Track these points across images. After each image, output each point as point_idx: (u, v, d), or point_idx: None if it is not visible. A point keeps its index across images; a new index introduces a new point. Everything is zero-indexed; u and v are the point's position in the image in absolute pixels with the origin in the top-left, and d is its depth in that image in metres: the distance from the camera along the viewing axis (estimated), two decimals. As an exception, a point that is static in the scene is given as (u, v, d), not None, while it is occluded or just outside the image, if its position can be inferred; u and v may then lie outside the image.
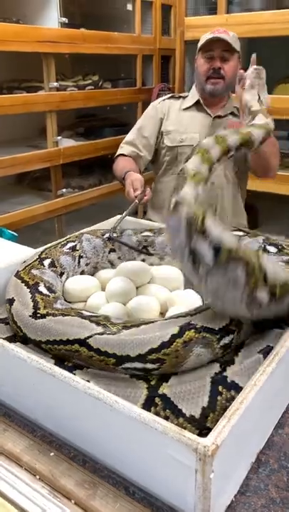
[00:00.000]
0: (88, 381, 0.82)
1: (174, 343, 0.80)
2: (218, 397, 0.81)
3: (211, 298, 0.86)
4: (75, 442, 0.81)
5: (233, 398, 0.81)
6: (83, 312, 0.95)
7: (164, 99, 1.99)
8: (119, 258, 1.26)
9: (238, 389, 0.82)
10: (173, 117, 1.91)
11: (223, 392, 0.82)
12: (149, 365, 0.81)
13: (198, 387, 0.82)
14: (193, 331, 0.82)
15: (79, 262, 1.23)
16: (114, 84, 3.76)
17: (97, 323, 0.87)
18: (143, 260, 1.28)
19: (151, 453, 0.70)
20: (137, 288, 1.15)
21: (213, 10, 2.69)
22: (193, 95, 1.94)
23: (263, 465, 0.84)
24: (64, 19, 3.02)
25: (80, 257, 1.23)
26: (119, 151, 2.00)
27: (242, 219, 2.04)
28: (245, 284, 0.74)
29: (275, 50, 2.85)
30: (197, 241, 0.74)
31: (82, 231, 1.33)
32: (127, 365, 0.82)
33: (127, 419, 0.70)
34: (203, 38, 1.80)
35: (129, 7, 3.66)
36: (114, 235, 1.29)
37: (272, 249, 1.16)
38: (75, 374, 0.84)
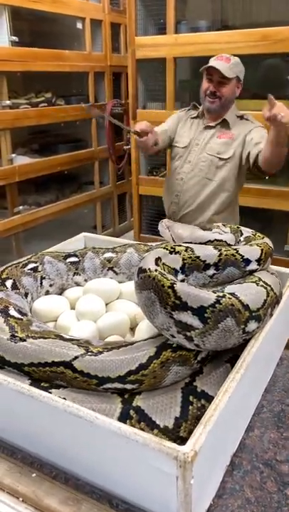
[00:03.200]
0: (64, 399, 0.84)
1: (152, 365, 0.83)
2: (190, 407, 0.85)
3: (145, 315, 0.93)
4: (56, 461, 0.82)
5: (203, 407, 0.86)
6: (63, 335, 0.96)
7: (187, 109, 2.24)
8: (85, 280, 1.28)
9: (208, 398, 0.87)
10: (185, 122, 2.19)
11: (194, 402, 0.86)
12: (128, 386, 0.84)
13: (170, 398, 0.86)
14: (169, 350, 0.86)
15: (41, 283, 1.23)
16: (68, 101, 3.79)
17: (79, 346, 0.90)
18: (111, 278, 1.30)
19: (133, 465, 0.72)
20: (106, 304, 1.17)
21: (161, 30, 2.79)
22: (201, 107, 2.18)
23: (237, 467, 0.88)
24: (14, 38, 3.03)
25: (43, 278, 1.24)
26: None
27: (232, 221, 2.15)
28: (161, 305, 0.84)
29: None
30: (178, 313, 0.83)
31: (43, 252, 1.34)
32: (108, 385, 0.84)
33: (108, 433, 0.72)
34: (209, 62, 2.00)
35: (79, 25, 3.71)
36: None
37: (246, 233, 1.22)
38: (51, 393, 0.86)
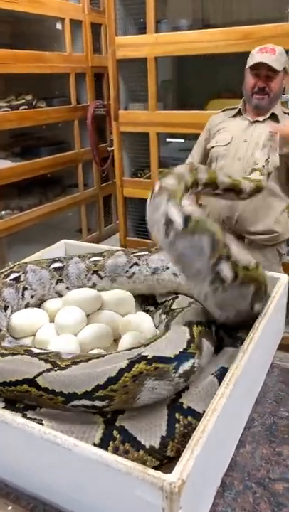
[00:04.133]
0: (41, 420, 0.79)
1: (122, 378, 0.76)
2: (176, 425, 0.80)
3: (178, 267, 0.97)
4: (34, 491, 0.76)
5: (190, 424, 0.81)
6: (32, 349, 0.91)
7: (217, 113, 2.17)
8: (67, 288, 1.22)
9: (195, 414, 0.82)
10: (220, 124, 2.09)
11: (181, 419, 0.81)
12: (97, 403, 0.77)
13: (155, 416, 0.80)
14: (143, 363, 0.77)
15: (23, 295, 1.17)
16: (49, 103, 3.72)
17: (46, 361, 0.83)
18: (94, 285, 1.25)
19: (116, 495, 0.67)
20: (87, 316, 1.12)
21: (141, 29, 2.74)
22: (239, 106, 2.08)
23: (228, 488, 0.83)
24: (-8, 39, 2.96)
25: (25, 288, 1.18)
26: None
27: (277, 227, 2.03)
28: (210, 255, 0.83)
29: (205, 68, 2.94)
30: (170, 208, 0.86)
31: (25, 260, 1.28)
32: (75, 402, 0.77)
33: (87, 462, 0.67)
34: (251, 57, 1.91)
35: (59, 26, 3.65)
36: None
37: None
38: (26, 415, 0.80)
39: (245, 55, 2.51)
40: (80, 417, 0.80)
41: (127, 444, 0.77)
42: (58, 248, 1.47)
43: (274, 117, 1.98)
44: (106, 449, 0.75)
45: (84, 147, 4.06)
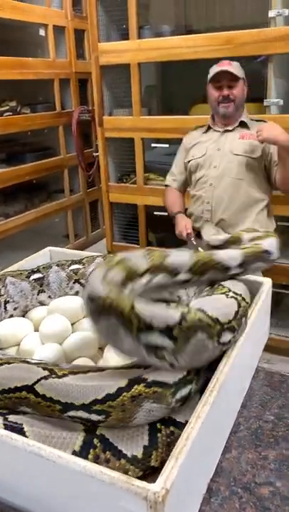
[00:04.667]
0: (21, 425, 0.78)
1: (121, 397, 0.76)
2: (158, 434, 0.80)
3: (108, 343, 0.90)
4: (18, 503, 0.76)
5: (172, 433, 0.81)
6: (29, 360, 0.90)
7: (191, 131, 2.28)
8: (49, 297, 1.21)
9: (177, 424, 0.82)
10: (194, 141, 2.21)
11: (162, 429, 0.81)
12: (94, 416, 0.77)
13: (136, 426, 0.80)
14: (143, 385, 0.77)
15: (5, 308, 1.17)
16: (33, 109, 3.71)
17: (44, 368, 0.83)
18: (77, 293, 1.24)
19: (100, 506, 0.67)
20: (72, 324, 1.12)
21: (124, 35, 2.74)
22: (208, 122, 2.21)
23: (214, 494, 0.84)
24: (-26, 46, 2.94)
25: (6, 302, 1.17)
26: (165, 181, 2.38)
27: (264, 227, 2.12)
28: (126, 331, 0.76)
29: (189, 73, 2.96)
30: (145, 336, 0.77)
31: (4, 271, 1.27)
32: (72, 413, 0.78)
33: (72, 473, 0.66)
34: (211, 71, 2.05)
35: (42, 32, 3.64)
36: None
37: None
38: (7, 418, 0.80)
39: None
40: (60, 424, 0.80)
41: (108, 452, 0.77)
42: (43, 255, 1.46)
43: (243, 124, 2.11)
44: (86, 456, 0.74)
45: (69, 153, 4.06)
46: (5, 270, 1.27)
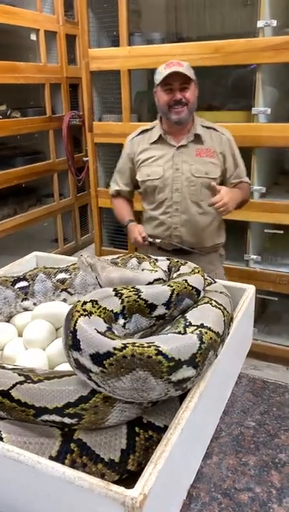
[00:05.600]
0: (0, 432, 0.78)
1: (93, 399, 0.77)
2: (136, 438, 0.80)
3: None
4: (-2, 509, 0.76)
5: (151, 437, 0.81)
6: (4, 365, 0.91)
7: (133, 137, 2.08)
8: (34, 304, 1.21)
9: (155, 428, 0.82)
10: (143, 153, 2.02)
11: (141, 433, 0.81)
12: (66, 420, 0.77)
13: (114, 430, 0.80)
14: None
15: None
16: (24, 113, 3.71)
17: (20, 374, 0.84)
18: (64, 300, 1.24)
19: (79, 511, 0.67)
20: (56, 330, 1.12)
21: (115, 42, 2.76)
22: (157, 128, 2.01)
23: (194, 500, 0.84)
24: None
25: None
26: (109, 191, 2.22)
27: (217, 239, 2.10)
28: (154, 377, 0.73)
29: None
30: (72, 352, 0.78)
31: (-5, 274, 1.27)
32: (46, 417, 0.78)
33: (51, 479, 0.66)
34: (160, 73, 1.86)
35: (33, 37, 3.65)
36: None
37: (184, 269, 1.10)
38: None
39: (217, 69, 2.56)
40: (37, 430, 0.80)
41: (84, 457, 0.77)
42: (28, 261, 1.46)
43: (198, 138, 1.95)
44: (63, 461, 0.75)
45: (59, 157, 4.06)
46: None
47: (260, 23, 2.35)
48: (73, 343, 0.76)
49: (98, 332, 0.76)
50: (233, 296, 1.12)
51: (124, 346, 0.73)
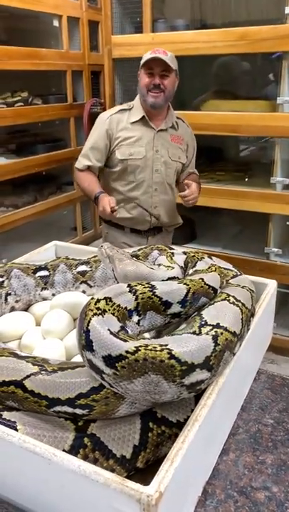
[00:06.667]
0: (15, 423, 0.79)
1: (104, 390, 0.77)
2: (149, 434, 0.80)
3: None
4: (12, 498, 0.76)
5: (163, 433, 0.81)
6: (18, 352, 0.91)
7: (112, 114, 2.09)
8: (53, 295, 1.21)
9: (169, 423, 0.81)
10: (123, 131, 2.05)
11: (154, 428, 0.80)
12: (78, 411, 0.77)
13: (129, 425, 0.80)
14: None
15: (6, 300, 1.17)
16: (45, 100, 3.70)
17: (34, 364, 0.84)
18: (84, 292, 1.24)
19: (94, 506, 0.66)
20: (74, 320, 1.11)
21: (139, 28, 2.72)
22: (138, 109, 2.06)
23: (209, 497, 0.83)
24: (-13, 36, 2.93)
25: (8, 294, 1.17)
26: (76, 164, 2.19)
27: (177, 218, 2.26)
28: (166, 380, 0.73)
29: (202, 69, 2.93)
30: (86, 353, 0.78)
31: (13, 262, 1.27)
32: (58, 408, 0.78)
33: (66, 472, 0.66)
34: (145, 57, 1.96)
35: (56, 23, 3.62)
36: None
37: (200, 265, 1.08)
38: (2, 415, 0.81)
39: (243, 55, 2.50)
40: (52, 423, 0.80)
41: (97, 452, 0.77)
42: (48, 250, 1.46)
43: (173, 125, 2.10)
44: (75, 456, 0.74)
45: (80, 145, 4.02)
46: (15, 261, 1.26)
47: (287, 9, 2.28)
48: (86, 344, 0.75)
49: (111, 333, 0.75)
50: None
51: (137, 350, 0.72)
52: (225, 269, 1.15)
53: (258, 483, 0.86)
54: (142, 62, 1.96)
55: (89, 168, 2.12)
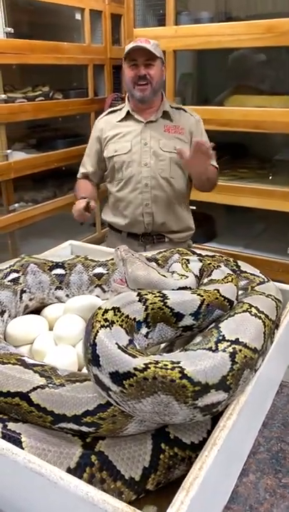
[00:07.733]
0: (20, 434, 0.74)
1: (112, 408, 0.72)
2: (161, 456, 0.74)
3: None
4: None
5: (176, 455, 0.75)
6: (25, 359, 0.86)
7: (101, 117, 2.08)
8: (67, 296, 1.17)
9: (182, 445, 0.76)
10: (111, 130, 1.99)
11: (166, 450, 0.75)
12: (84, 428, 0.73)
13: (140, 445, 0.75)
14: None
15: (21, 297, 1.13)
16: (66, 95, 3.66)
17: (41, 375, 0.79)
18: (97, 297, 1.19)
19: (102, 535, 0.61)
20: (88, 325, 1.06)
21: (161, 21, 2.65)
22: (125, 107, 2.00)
23: (227, 523, 0.78)
24: (10, 29, 2.90)
25: (23, 291, 1.13)
26: (78, 175, 2.18)
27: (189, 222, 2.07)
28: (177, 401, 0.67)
29: (227, 62, 2.85)
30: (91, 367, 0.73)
31: (29, 258, 1.23)
32: (63, 424, 0.74)
33: (72, 496, 0.61)
34: (126, 48, 1.87)
35: (78, 17, 3.57)
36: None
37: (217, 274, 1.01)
38: (7, 426, 0.76)
39: (269, 49, 2.41)
40: (59, 438, 0.76)
41: (104, 472, 0.72)
42: (64, 249, 1.42)
43: (166, 115, 1.94)
44: (81, 475, 0.70)
45: (100, 140, 4.00)
46: (30, 256, 1.23)
47: (317, 0, 2.18)
48: (93, 358, 0.70)
49: (119, 347, 0.69)
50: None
51: (146, 367, 0.66)
52: (251, 274, 1.09)
53: (281, 510, 0.80)
54: (124, 54, 1.86)
55: (87, 176, 2.10)
